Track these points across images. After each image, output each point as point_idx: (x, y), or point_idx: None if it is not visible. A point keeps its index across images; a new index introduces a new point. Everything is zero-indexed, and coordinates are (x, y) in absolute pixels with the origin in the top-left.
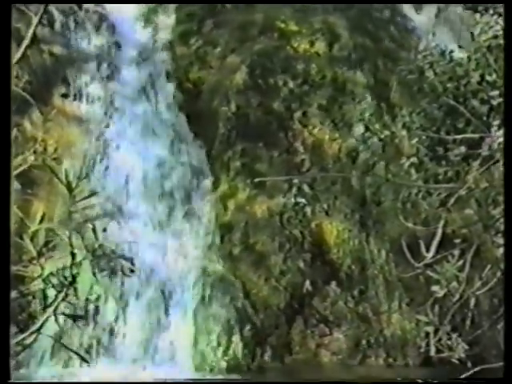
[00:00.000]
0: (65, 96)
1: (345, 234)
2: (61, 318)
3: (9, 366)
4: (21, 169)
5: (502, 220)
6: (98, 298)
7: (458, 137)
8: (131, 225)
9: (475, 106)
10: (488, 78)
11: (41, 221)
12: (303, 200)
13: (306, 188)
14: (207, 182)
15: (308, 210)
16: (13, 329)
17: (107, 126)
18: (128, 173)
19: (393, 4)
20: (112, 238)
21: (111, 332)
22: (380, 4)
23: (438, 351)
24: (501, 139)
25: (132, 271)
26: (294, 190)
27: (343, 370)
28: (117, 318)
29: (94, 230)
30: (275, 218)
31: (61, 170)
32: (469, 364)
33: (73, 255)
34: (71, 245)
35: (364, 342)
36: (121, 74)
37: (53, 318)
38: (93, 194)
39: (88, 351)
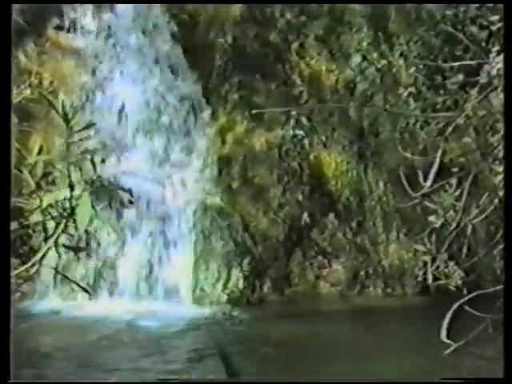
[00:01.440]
0: (59, 28)
1: (343, 166)
2: (62, 251)
3: (9, 366)
4: (16, 101)
5: (500, 147)
6: (97, 231)
7: (456, 64)
8: (129, 158)
9: (474, 33)
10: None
11: (38, 153)
12: (301, 132)
13: (303, 120)
14: (205, 115)
15: (306, 142)
16: (16, 261)
17: (103, 59)
18: (125, 106)
19: None
20: (110, 171)
21: (111, 266)
22: None
23: (436, 279)
24: (499, 65)
25: (131, 202)
26: (292, 122)
27: (342, 301)
28: (116, 252)
29: (92, 161)
30: (273, 150)
31: (57, 102)
32: (465, 291)
33: (71, 187)
34: (69, 176)
35: (362, 272)
36: (116, 6)
37: (54, 249)
38: (90, 125)
39: (88, 285)
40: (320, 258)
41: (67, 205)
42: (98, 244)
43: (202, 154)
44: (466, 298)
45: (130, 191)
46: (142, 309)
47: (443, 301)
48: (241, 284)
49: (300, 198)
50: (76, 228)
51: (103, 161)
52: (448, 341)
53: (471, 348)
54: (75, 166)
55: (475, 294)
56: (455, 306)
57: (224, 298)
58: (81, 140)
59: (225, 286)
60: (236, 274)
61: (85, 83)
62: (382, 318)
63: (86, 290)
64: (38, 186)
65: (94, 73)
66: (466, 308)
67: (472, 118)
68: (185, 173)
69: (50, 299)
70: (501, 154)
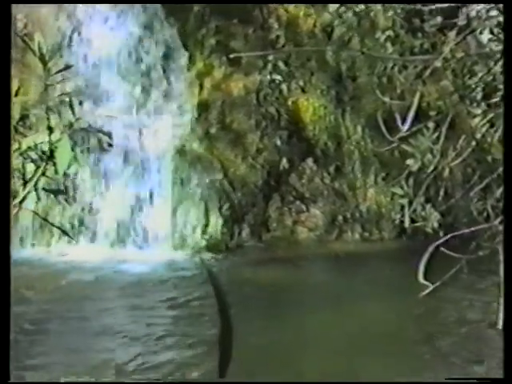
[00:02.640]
0: None
1: (321, 111)
2: (42, 195)
3: (9, 366)
4: None
5: (478, 90)
6: (76, 176)
7: (435, 6)
8: (106, 104)
9: None
10: None
11: (15, 96)
12: (279, 77)
13: (281, 65)
14: (182, 61)
15: (284, 87)
16: None
17: (79, 4)
18: (101, 51)
19: None
20: (89, 115)
21: (90, 211)
22: None
23: (413, 222)
24: (478, 7)
25: (110, 145)
26: (270, 67)
27: (319, 246)
28: (95, 198)
29: (70, 104)
30: (251, 95)
31: (33, 44)
32: (441, 233)
33: (50, 129)
34: (48, 119)
35: (340, 217)
36: None
37: (34, 193)
38: (68, 67)
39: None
40: (298, 203)
41: (46, 148)
42: (78, 190)
43: (179, 99)
44: (443, 240)
45: (109, 135)
46: (121, 255)
47: (420, 244)
48: (219, 230)
49: (278, 143)
50: (56, 171)
51: (81, 103)
52: (425, 282)
53: (448, 289)
54: (54, 108)
55: (451, 235)
56: (432, 247)
57: (203, 243)
58: (58, 83)
59: (204, 232)
60: (215, 219)
61: (60, 27)
62: (360, 262)
63: (66, 234)
64: (16, 130)
65: (69, 17)
66: (443, 249)
67: (450, 61)
68: (163, 119)
69: (29, 244)
70: (478, 96)
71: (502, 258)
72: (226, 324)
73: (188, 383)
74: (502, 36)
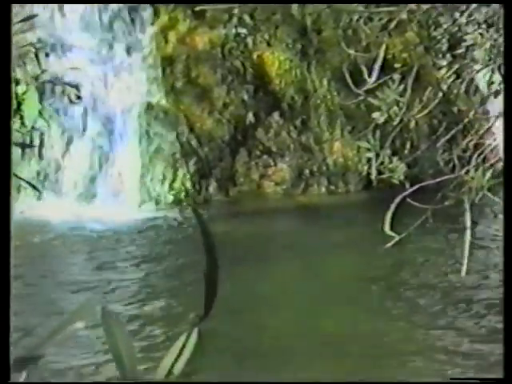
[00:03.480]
0: None
1: (286, 65)
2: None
3: (9, 365)
4: None
5: (443, 41)
6: (43, 128)
7: None
8: (72, 57)
9: None
10: None
11: None
12: (244, 31)
13: (246, 18)
14: (146, 14)
15: (249, 40)
16: None
17: None
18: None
19: None
20: (55, 67)
21: (57, 166)
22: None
23: (379, 174)
24: None
25: (78, 97)
26: (235, 20)
27: (286, 200)
28: (62, 152)
29: (36, 55)
30: (217, 49)
31: None
32: (407, 185)
33: (16, 81)
34: (13, 71)
35: (307, 171)
36: None
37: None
38: (32, 16)
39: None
40: (265, 157)
41: (13, 100)
42: (43, 143)
43: (144, 53)
44: (409, 191)
45: (76, 87)
46: (88, 210)
47: (386, 196)
48: (186, 185)
49: (244, 97)
50: (23, 124)
51: (47, 55)
52: (391, 233)
53: (413, 239)
54: (19, 59)
55: (417, 186)
56: (398, 199)
57: (170, 198)
58: (23, 32)
59: (171, 187)
60: (182, 174)
61: None
62: (327, 215)
63: (34, 187)
64: None
65: None
66: (409, 201)
67: (415, 13)
68: (128, 73)
69: None
70: (444, 48)
71: (467, 206)
72: (213, 263)
73: (188, 383)
74: None
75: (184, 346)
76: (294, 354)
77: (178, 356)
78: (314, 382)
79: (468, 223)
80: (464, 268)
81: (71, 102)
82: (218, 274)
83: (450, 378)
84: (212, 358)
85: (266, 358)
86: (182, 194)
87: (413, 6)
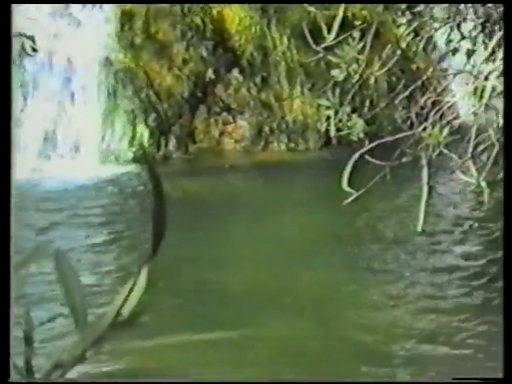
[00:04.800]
0: None
1: (246, 21)
2: None
3: (9, 366)
4: None
5: None
6: None
7: None
8: (29, 9)
9: None
10: None
11: None
12: None
13: None
14: None
15: None
16: None
17: None
18: None
19: None
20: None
21: (16, 123)
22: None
23: (338, 131)
24: None
25: (34, 50)
26: None
27: (246, 157)
28: (19, 108)
29: None
30: (176, 5)
31: None
32: (366, 142)
33: None
34: None
35: (266, 128)
36: None
37: None
38: None
39: None
40: (224, 114)
41: None
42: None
43: (103, 7)
44: (367, 148)
45: (32, 39)
46: (47, 167)
47: (345, 153)
48: (146, 141)
49: (204, 53)
50: None
51: None
52: (349, 189)
53: (370, 196)
54: None
55: (376, 143)
56: (356, 155)
57: (130, 155)
58: None
59: (130, 144)
60: (141, 131)
61: None
62: (286, 172)
63: None
64: None
65: None
66: (367, 157)
67: None
68: (87, 27)
69: None
70: (403, 5)
71: (424, 163)
72: (160, 205)
73: (188, 383)
74: None
75: (133, 287)
76: (241, 307)
77: (127, 297)
78: (313, 381)
79: (425, 179)
80: (420, 222)
81: (27, 54)
82: (165, 216)
83: (453, 379)
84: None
85: (213, 309)
86: (142, 151)
87: None
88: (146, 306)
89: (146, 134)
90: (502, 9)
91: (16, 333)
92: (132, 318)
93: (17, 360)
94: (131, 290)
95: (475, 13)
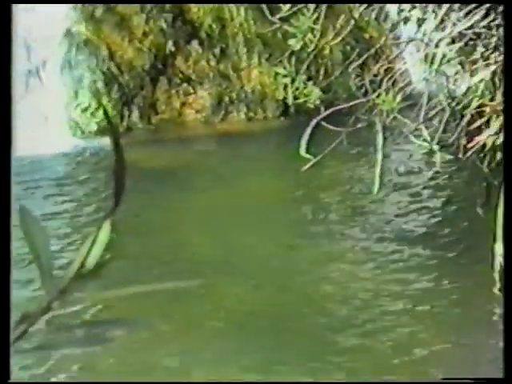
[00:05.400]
0: None
1: None
2: None
3: (9, 365)
4: None
5: None
6: None
7: None
8: None
9: None
10: None
11: None
12: None
13: None
14: None
15: None
16: None
17: None
18: None
19: None
20: None
21: None
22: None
23: (295, 99)
24: None
25: None
26: None
27: (206, 127)
28: None
29: None
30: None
31: None
32: (322, 109)
33: None
34: None
35: (226, 98)
36: None
37: None
38: None
39: None
40: (185, 85)
41: None
42: None
43: None
44: (324, 115)
45: None
46: (14, 139)
47: (302, 121)
48: (109, 113)
49: (163, 26)
50: None
51: None
52: (308, 155)
53: (329, 160)
54: None
55: (331, 110)
56: (313, 122)
57: (94, 127)
58: None
59: (93, 115)
60: (104, 103)
61: None
62: (246, 141)
63: None
64: None
65: None
66: (324, 124)
67: None
68: None
69: None
70: None
71: (379, 128)
72: (120, 161)
73: (188, 383)
74: None
75: (95, 239)
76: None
77: (90, 249)
78: (313, 381)
79: (380, 144)
80: (376, 185)
81: None
82: (125, 172)
83: (451, 379)
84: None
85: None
86: (106, 123)
87: None
88: (108, 258)
89: (109, 105)
90: None
91: None
92: (95, 269)
93: None
94: (94, 243)
95: None
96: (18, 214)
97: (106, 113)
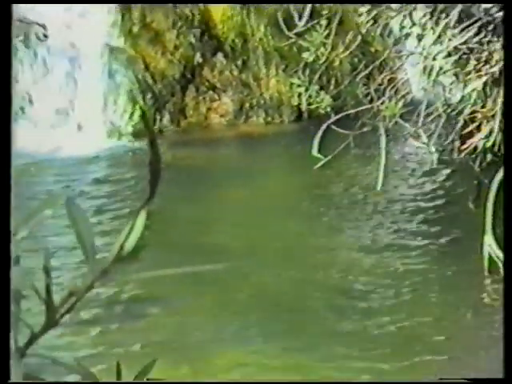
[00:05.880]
0: None
1: (228, 12)
2: None
3: (9, 365)
4: None
5: None
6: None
7: None
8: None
9: None
10: None
11: None
12: None
13: None
14: None
15: None
16: None
17: None
18: None
19: None
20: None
21: (29, 100)
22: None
23: (309, 105)
24: None
25: (45, 36)
26: None
27: (229, 129)
28: (34, 86)
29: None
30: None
31: None
32: (332, 115)
33: None
34: None
35: (247, 104)
36: None
37: None
38: None
39: None
40: (211, 92)
41: None
42: (18, 80)
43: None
44: (333, 119)
45: (43, 26)
46: (57, 140)
47: (315, 125)
48: (147, 113)
49: (192, 40)
50: None
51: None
52: (319, 155)
53: (339, 160)
54: None
55: (340, 115)
56: (324, 126)
57: (130, 129)
58: None
59: (130, 119)
60: (141, 105)
61: None
62: (265, 143)
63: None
64: None
65: None
66: (333, 127)
67: None
68: (92, 18)
69: None
70: None
71: (382, 132)
72: (156, 154)
73: (186, 383)
74: None
75: (133, 226)
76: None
77: (129, 235)
78: (313, 382)
79: (383, 145)
80: (379, 182)
81: (39, 39)
82: (160, 164)
83: (449, 379)
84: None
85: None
86: (140, 126)
87: None
88: (145, 242)
89: (145, 110)
90: None
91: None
92: (133, 253)
93: (38, 287)
94: (132, 229)
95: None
96: (65, 204)
97: (143, 113)
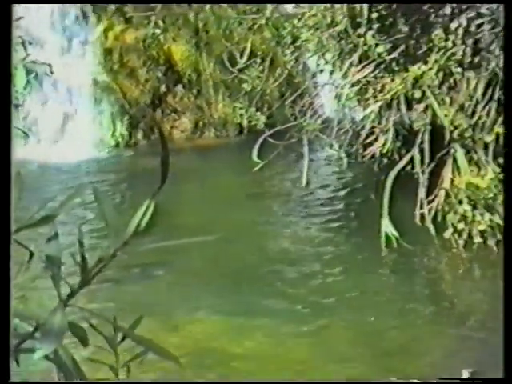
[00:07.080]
0: None
1: (186, 53)
2: None
3: (9, 366)
4: None
5: (288, 37)
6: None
7: None
8: (44, 48)
9: None
10: None
11: None
12: (158, 31)
13: (160, 22)
14: (93, 20)
15: (161, 37)
16: None
17: None
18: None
19: None
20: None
21: (35, 120)
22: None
23: (249, 123)
24: None
25: (52, 72)
26: (152, 24)
27: (188, 142)
28: (39, 111)
29: (23, 43)
30: (140, 43)
31: None
32: (267, 130)
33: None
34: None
35: (201, 123)
36: None
37: None
38: (20, 17)
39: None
40: (173, 114)
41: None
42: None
43: (93, 46)
44: (268, 134)
45: (49, 65)
46: (57, 153)
47: (253, 138)
48: (123, 133)
49: (159, 75)
50: (16, 91)
51: (30, 43)
52: (258, 160)
53: (272, 166)
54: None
55: (273, 130)
56: (261, 138)
57: (112, 142)
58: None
59: (112, 135)
60: (119, 126)
61: None
62: (214, 152)
63: (25, 134)
64: None
65: None
66: (268, 139)
67: (269, 19)
68: (83, 59)
69: None
70: (289, 41)
71: (305, 142)
72: (166, 152)
73: (186, 383)
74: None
75: (148, 207)
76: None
77: (144, 214)
78: (314, 381)
79: (306, 152)
80: (304, 180)
81: (47, 75)
82: (169, 160)
83: (449, 379)
84: None
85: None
86: (120, 139)
87: (268, 15)
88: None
89: (123, 128)
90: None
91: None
92: (147, 229)
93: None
94: (147, 209)
95: (338, 42)
96: (93, 192)
97: (158, 125)
